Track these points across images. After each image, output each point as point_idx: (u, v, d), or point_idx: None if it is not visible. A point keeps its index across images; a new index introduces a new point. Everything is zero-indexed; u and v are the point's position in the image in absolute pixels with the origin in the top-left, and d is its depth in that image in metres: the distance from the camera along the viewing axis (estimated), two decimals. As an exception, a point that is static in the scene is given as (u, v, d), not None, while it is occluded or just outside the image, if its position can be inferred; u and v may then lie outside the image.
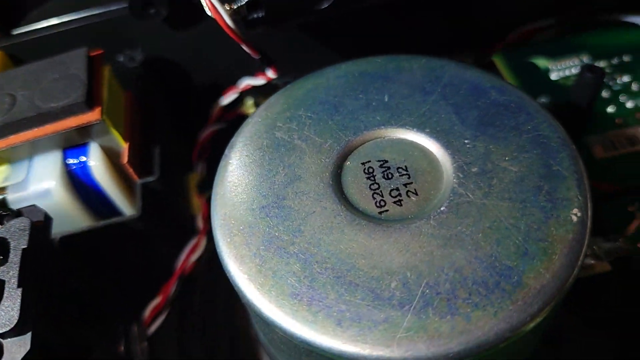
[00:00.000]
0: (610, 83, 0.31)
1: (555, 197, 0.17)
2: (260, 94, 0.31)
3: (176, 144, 0.31)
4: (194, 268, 0.26)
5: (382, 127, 0.20)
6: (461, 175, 0.18)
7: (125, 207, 0.25)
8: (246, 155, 0.20)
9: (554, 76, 0.32)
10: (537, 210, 0.17)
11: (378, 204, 0.18)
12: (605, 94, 0.30)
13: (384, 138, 0.20)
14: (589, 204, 0.17)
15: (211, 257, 0.25)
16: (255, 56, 0.24)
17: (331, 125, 0.20)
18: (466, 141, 0.19)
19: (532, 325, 0.15)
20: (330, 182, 0.18)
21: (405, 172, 0.19)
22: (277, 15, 0.23)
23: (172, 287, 0.25)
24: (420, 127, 0.19)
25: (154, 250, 0.26)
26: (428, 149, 0.19)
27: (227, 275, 0.17)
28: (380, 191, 0.18)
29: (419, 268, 0.16)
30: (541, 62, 0.33)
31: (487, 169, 0.18)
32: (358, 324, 0.15)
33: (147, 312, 0.25)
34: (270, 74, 0.25)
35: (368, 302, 0.16)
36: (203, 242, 0.27)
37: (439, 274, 0.16)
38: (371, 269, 0.16)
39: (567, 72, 0.32)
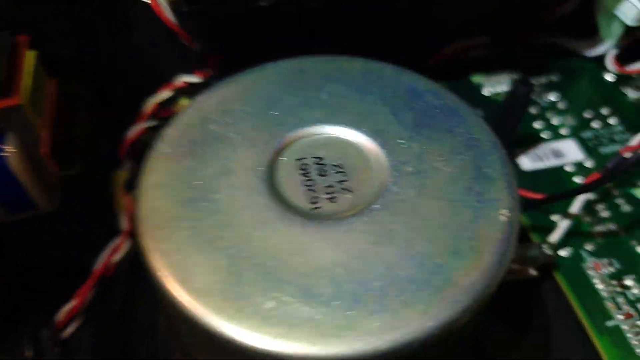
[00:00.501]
0: (539, 100, 0.32)
1: (485, 197, 0.17)
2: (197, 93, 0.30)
3: (105, 139, 0.29)
4: (115, 270, 0.25)
5: (320, 124, 0.19)
6: (396, 174, 0.18)
7: (43, 201, 0.23)
8: (176, 147, 0.19)
9: (486, 92, 0.33)
10: (468, 210, 0.17)
11: (311, 200, 0.18)
12: (533, 110, 0.32)
13: (320, 135, 0.19)
14: (517, 206, 0.17)
15: (135, 258, 0.24)
16: (193, 47, 0.23)
17: (267, 121, 0.19)
18: (402, 141, 0.19)
19: (461, 322, 0.15)
20: (263, 176, 0.18)
21: (340, 170, 0.18)
22: (217, 8, 0.22)
23: (89, 289, 0.24)
24: (357, 126, 0.19)
25: (71, 250, 0.24)
26: (364, 148, 0.19)
27: (148, 271, 0.16)
28: (314, 187, 0.18)
29: (349, 265, 0.16)
30: (475, 78, 0.34)
31: (421, 168, 0.18)
32: (285, 321, 0.15)
33: (61, 315, 0.23)
34: (208, 69, 0.24)
35: (297, 299, 0.15)
36: (127, 243, 0.25)
37: (369, 271, 0.16)
38: (301, 265, 0.16)
39: (498, 89, 0.33)
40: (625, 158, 0.23)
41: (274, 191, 0.18)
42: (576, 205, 0.25)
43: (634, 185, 0.29)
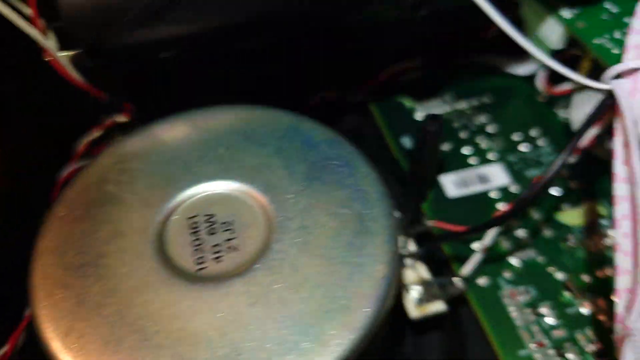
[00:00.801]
0: (469, 124, 0.33)
1: (364, 252, 0.18)
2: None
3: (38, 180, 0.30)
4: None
5: (214, 180, 0.20)
6: (281, 231, 0.18)
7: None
8: (72, 209, 0.19)
9: (418, 116, 0.33)
10: (346, 266, 0.18)
11: (197, 261, 0.18)
12: (463, 134, 0.32)
13: (214, 192, 0.20)
14: (395, 259, 0.18)
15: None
16: (104, 101, 0.24)
17: (163, 179, 0.20)
18: (290, 196, 0.19)
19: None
20: (153, 238, 0.18)
21: (229, 228, 0.19)
22: (120, 62, 0.22)
23: (20, 334, 0.24)
24: (250, 181, 0.20)
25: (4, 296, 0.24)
26: (254, 204, 0.19)
27: (38, 337, 0.17)
28: (202, 247, 0.19)
29: (224, 328, 0.16)
30: (407, 102, 0.34)
31: (306, 224, 0.19)
32: (159, 387, 0.16)
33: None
34: (122, 117, 0.25)
35: (172, 365, 0.16)
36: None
37: (243, 334, 0.16)
38: (179, 330, 0.16)
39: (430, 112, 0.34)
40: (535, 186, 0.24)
41: (162, 253, 0.18)
42: (487, 238, 0.25)
43: (557, 210, 0.29)
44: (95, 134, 0.30)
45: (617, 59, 0.23)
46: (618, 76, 0.21)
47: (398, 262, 0.18)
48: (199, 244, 0.19)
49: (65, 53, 0.22)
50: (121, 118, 0.29)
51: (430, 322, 0.24)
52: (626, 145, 0.20)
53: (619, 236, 0.20)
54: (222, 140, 0.21)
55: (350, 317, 0.16)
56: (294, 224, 0.19)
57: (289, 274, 0.17)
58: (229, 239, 0.19)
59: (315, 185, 0.20)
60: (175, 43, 0.22)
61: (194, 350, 0.16)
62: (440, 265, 0.27)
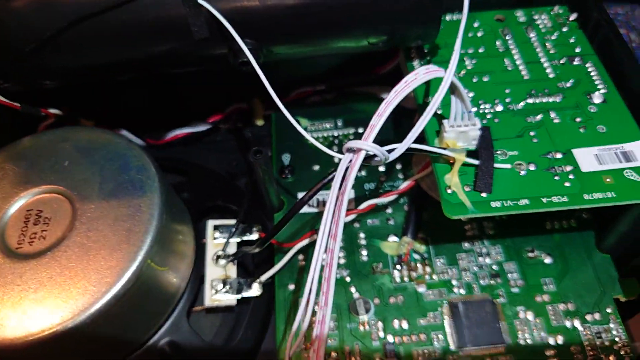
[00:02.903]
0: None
1: (130, 244, 0.25)
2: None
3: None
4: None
5: (53, 184, 0.28)
6: (76, 230, 0.26)
7: None
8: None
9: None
10: (102, 261, 0.25)
11: (18, 242, 0.26)
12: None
13: (50, 193, 0.28)
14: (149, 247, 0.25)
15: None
16: (21, 109, 0.32)
17: (22, 179, 0.28)
18: (93, 206, 0.27)
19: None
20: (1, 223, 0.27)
21: (47, 221, 0.27)
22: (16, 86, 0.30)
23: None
24: (74, 189, 0.28)
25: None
26: (70, 207, 0.27)
27: None
28: (25, 233, 0.27)
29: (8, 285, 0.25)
30: (303, 121, 0.40)
31: (91, 234, 0.26)
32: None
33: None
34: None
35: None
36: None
37: (30, 285, 0.25)
38: (-12, 285, 0.25)
39: (319, 134, 0.39)
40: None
41: (1, 235, 0.27)
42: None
43: (382, 238, 0.34)
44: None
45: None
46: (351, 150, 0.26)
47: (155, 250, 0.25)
48: (25, 231, 0.27)
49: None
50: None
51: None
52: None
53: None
54: (70, 155, 0.29)
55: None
56: (84, 230, 0.26)
57: (56, 264, 0.25)
58: (44, 230, 0.27)
59: (112, 201, 0.27)
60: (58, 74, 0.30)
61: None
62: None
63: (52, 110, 0.35)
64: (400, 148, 0.26)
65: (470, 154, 0.29)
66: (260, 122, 0.41)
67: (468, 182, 0.28)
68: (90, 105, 0.38)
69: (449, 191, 0.28)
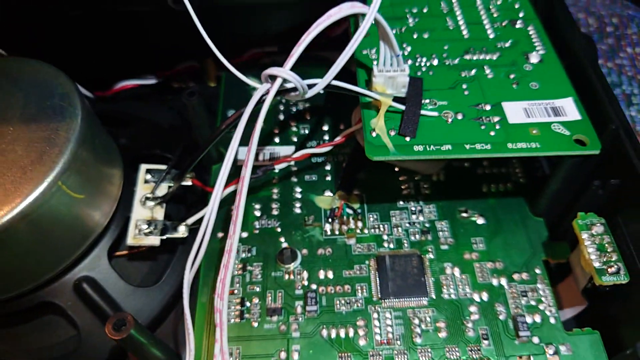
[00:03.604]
0: (291, 109, 0.37)
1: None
2: None
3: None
4: None
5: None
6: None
7: None
8: None
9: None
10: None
11: None
12: (281, 117, 0.37)
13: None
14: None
15: None
16: None
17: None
18: (11, 128, 0.27)
19: None
20: None
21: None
22: None
23: None
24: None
25: None
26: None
27: None
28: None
29: None
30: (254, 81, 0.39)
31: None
32: None
33: None
34: None
35: None
36: None
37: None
38: None
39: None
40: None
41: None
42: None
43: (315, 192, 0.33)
44: None
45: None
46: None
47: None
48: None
49: None
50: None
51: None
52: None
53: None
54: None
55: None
56: (2, 147, 0.26)
57: None
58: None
59: (33, 124, 0.27)
60: None
61: None
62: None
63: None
64: (320, 83, 0.26)
65: (399, 100, 0.28)
66: (212, 84, 0.41)
67: (394, 127, 0.28)
68: (42, 52, 0.38)
69: (373, 134, 0.27)
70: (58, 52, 0.39)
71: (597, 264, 0.27)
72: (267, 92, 0.25)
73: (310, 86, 0.26)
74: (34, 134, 0.26)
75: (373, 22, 0.27)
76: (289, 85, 0.25)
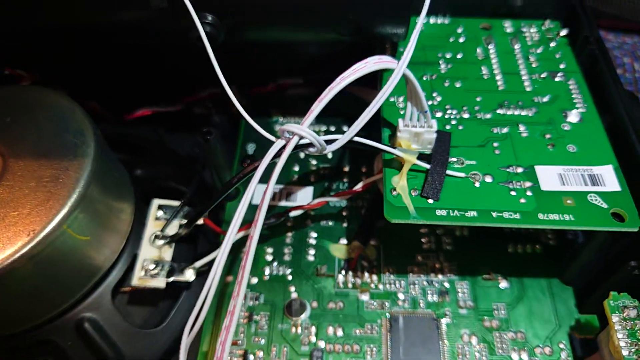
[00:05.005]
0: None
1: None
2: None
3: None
4: None
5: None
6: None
7: None
8: None
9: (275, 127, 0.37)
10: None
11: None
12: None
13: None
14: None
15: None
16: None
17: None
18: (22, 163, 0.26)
19: None
20: None
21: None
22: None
23: None
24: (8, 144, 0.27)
25: None
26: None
27: None
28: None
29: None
30: (274, 113, 0.38)
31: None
32: None
33: None
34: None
35: None
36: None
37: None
38: None
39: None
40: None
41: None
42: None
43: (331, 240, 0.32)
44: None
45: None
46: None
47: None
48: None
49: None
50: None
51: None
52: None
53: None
54: (14, 112, 0.28)
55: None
56: (11, 183, 0.25)
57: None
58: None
59: (44, 160, 0.26)
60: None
61: None
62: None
63: (19, 71, 0.34)
64: (341, 140, 0.24)
65: (424, 158, 0.27)
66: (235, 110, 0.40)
67: (416, 186, 0.26)
68: (68, 76, 0.37)
69: (394, 193, 0.26)
70: (82, 74, 0.38)
71: (625, 352, 0.24)
72: (283, 148, 0.24)
73: (329, 142, 0.24)
74: (44, 172, 0.25)
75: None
76: (306, 142, 0.24)
